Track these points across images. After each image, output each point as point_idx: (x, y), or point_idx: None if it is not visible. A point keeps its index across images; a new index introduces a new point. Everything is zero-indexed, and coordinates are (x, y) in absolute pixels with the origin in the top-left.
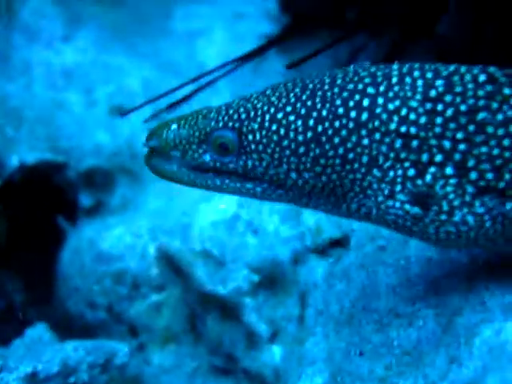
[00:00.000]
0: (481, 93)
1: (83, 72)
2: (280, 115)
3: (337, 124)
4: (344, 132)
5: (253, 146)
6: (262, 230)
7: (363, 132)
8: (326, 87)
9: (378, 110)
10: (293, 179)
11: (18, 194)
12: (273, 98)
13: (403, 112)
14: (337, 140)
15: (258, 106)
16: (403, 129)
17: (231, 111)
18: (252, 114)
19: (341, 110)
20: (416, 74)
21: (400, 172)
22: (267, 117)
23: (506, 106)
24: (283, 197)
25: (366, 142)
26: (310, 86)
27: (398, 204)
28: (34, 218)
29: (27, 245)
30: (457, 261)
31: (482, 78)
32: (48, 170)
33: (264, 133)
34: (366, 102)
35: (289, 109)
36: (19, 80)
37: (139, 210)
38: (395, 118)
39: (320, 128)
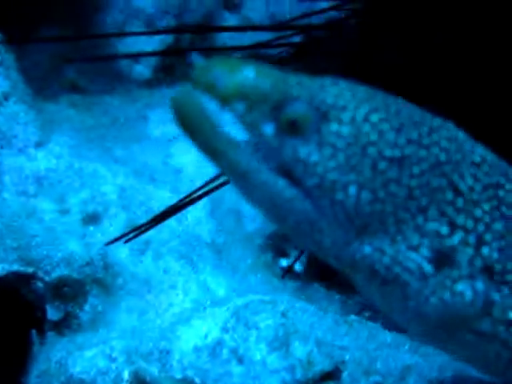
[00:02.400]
0: (500, 170)
1: (56, 178)
2: (375, 118)
3: (422, 153)
4: (425, 165)
5: (332, 139)
6: (247, 358)
7: (437, 172)
8: (407, 110)
9: (451, 157)
10: (345, 195)
11: None
12: (360, 94)
13: (463, 167)
14: (416, 171)
15: (346, 97)
16: (460, 184)
17: (314, 88)
18: (341, 102)
19: (426, 141)
20: (461, 134)
21: (436, 226)
22: (360, 113)
23: None
24: (303, 213)
25: (434, 183)
26: (391, 100)
27: (417, 258)
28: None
29: None
30: None
31: (501, 161)
32: (16, 281)
33: (354, 130)
34: (444, 143)
35: (383, 115)
36: None
37: (112, 328)
38: (457, 170)
39: (408, 151)
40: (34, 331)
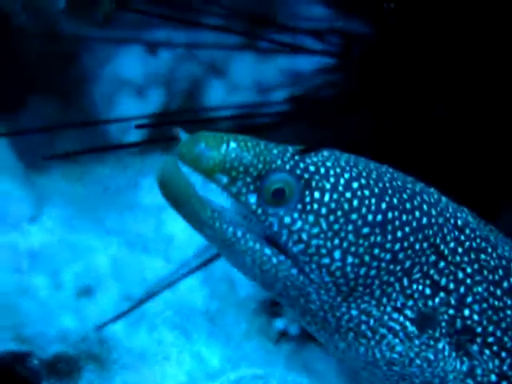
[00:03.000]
0: (482, 234)
1: (49, 253)
2: (355, 185)
3: (404, 217)
4: (408, 229)
5: (315, 206)
6: None
7: (420, 236)
8: (389, 175)
9: (433, 221)
10: (330, 260)
11: None
12: (342, 163)
13: (445, 231)
14: (400, 234)
15: (328, 164)
16: (442, 247)
17: (297, 157)
18: (323, 170)
19: (408, 205)
20: (444, 198)
21: (420, 288)
22: (342, 180)
23: (495, 253)
24: (290, 279)
25: (417, 246)
26: (373, 166)
27: (401, 318)
28: None
29: None
30: None
31: (482, 223)
32: (11, 360)
33: (336, 196)
34: (425, 207)
35: (363, 181)
36: None
37: None
38: (440, 234)
39: (390, 215)
40: None
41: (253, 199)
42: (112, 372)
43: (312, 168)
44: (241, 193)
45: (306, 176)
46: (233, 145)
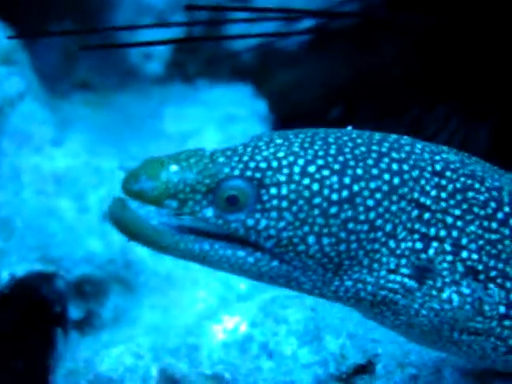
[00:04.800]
0: (467, 171)
1: (74, 177)
2: (312, 168)
3: (372, 185)
4: (379, 195)
5: (275, 202)
6: (278, 353)
7: (394, 197)
8: (351, 144)
9: (406, 177)
10: (306, 246)
11: (6, 307)
12: (295, 148)
13: (422, 182)
14: (371, 202)
15: (280, 155)
16: (422, 199)
17: (245, 158)
18: (275, 163)
19: (375, 171)
20: (419, 146)
21: (410, 244)
22: (296, 168)
23: (483, 187)
24: (273, 271)
25: (394, 208)
26: (332, 139)
27: (398, 278)
28: (23, 332)
29: (13, 362)
30: None
31: (465, 158)
32: (37, 280)
33: (293, 187)
34: (395, 167)
35: (320, 162)
36: (8, 187)
37: (135, 325)
38: (417, 187)
39: (356, 187)
40: (59, 330)
41: (209, 213)
42: (139, 295)
43: (263, 165)
44: (195, 211)
45: (258, 175)
46: (174, 168)
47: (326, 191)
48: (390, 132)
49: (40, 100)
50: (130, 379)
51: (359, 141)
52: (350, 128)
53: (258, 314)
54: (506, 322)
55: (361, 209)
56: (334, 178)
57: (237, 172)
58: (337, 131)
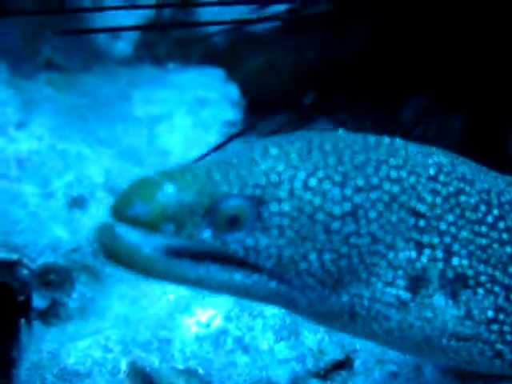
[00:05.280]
0: (458, 174)
1: (39, 161)
2: (313, 182)
3: (373, 196)
4: (380, 206)
5: (276, 220)
6: (253, 347)
7: (395, 207)
8: (349, 152)
9: (405, 185)
10: (308, 264)
11: None
12: (293, 160)
13: (419, 188)
14: (373, 214)
15: (279, 168)
16: (418, 206)
17: (243, 172)
18: (274, 178)
19: (375, 181)
20: (412, 149)
21: (407, 254)
22: (297, 183)
23: (473, 190)
24: (271, 292)
25: (394, 218)
26: (329, 147)
27: (394, 291)
28: None
29: None
30: None
31: (454, 159)
32: (0, 268)
33: (295, 202)
34: (394, 174)
35: (321, 174)
36: None
37: (104, 316)
38: (414, 195)
39: (358, 200)
40: (22, 320)
41: (207, 234)
42: (107, 285)
43: (262, 180)
44: (192, 234)
45: (258, 193)
46: (170, 189)
47: (328, 205)
48: (365, 120)
49: (2, 80)
50: (98, 373)
51: (356, 147)
52: (341, 131)
53: (233, 308)
54: (494, 327)
55: (363, 222)
56: (336, 191)
57: (235, 190)
58: (331, 136)
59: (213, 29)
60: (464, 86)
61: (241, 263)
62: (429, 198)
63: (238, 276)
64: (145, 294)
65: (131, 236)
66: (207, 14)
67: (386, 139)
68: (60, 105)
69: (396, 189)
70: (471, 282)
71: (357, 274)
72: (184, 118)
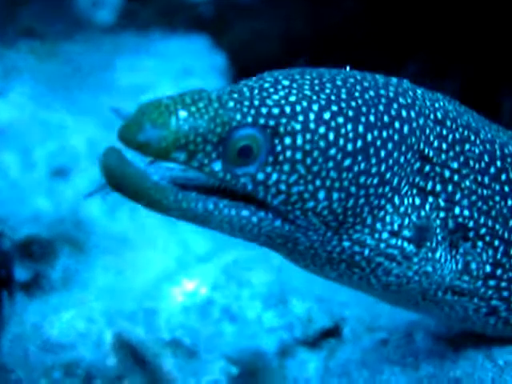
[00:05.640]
0: (463, 122)
1: (20, 130)
2: (327, 115)
3: (384, 134)
4: (390, 145)
5: (289, 154)
6: (241, 317)
7: (403, 148)
8: (359, 88)
9: (414, 125)
10: (315, 202)
11: None
12: (306, 92)
13: (427, 131)
14: (383, 154)
15: (292, 99)
16: (426, 150)
17: (256, 102)
18: (288, 109)
19: (386, 118)
20: (419, 91)
21: (410, 200)
22: (312, 115)
23: (478, 139)
24: (275, 231)
25: (402, 160)
26: (340, 82)
27: (399, 242)
28: None
29: None
30: (474, 358)
31: (457, 106)
32: None
33: (309, 136)
34: (404, 113)
35: (335, 108)
36: None
37: (88, 288)
38: (423, 137)
39: (370, 137)
40: (4, 292)
41: (218, 167)
42: (91, 256)
43: (276, 110)
44: (203, 165)
45: (272, 123)
46: (183, 114)
47: (341, 141)
48: None
49: None
50: (82, 344)
51: (366, 84)
52: (348, 68)
53: (220, 277)
54: (491, 282)
55: (373, 160)
56: (349, 126)
57: (249, 119)
58: (340, 72)
59: None
60: (457, 48)
61: (246, 199)
62: (435, 143)
63: (245, 212)
64: (129, 265)
65: (140, 163)
66: None
67: (394, 79)
68: (41, 73)
69: (406, 129)
70: (471, 234)
71: (361, 217)
72: (169, 88)
